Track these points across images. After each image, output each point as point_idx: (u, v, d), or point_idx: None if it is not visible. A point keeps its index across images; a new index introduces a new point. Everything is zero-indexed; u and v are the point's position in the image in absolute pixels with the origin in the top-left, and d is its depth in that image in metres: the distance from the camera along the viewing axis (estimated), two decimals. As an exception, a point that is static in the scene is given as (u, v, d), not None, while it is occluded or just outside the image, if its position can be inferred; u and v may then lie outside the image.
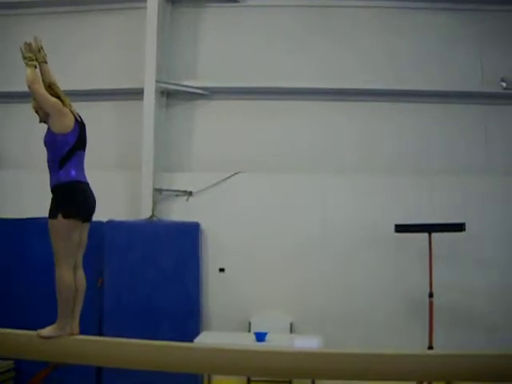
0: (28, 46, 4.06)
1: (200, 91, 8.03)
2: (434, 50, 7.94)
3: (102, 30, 8.16)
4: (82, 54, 8.08)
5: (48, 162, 4.02)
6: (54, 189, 3.98)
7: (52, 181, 3.99)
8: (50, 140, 3.99)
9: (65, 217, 3.87)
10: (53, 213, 3.90)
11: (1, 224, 7.61)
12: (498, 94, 7.78)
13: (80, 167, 4.07)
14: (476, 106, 7.89)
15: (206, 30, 8.18)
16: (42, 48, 4.14)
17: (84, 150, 4.12)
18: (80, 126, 4.09)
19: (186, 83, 8.01)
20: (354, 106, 7.98)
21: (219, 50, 8.11)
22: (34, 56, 4.06)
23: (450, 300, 7.22)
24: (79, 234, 4.00)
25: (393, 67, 7.94)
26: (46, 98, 3.96)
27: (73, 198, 3.93)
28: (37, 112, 4.10)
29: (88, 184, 4.10)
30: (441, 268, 7.00)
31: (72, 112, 4.07)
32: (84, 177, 4.08)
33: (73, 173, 3.97)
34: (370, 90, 7.88)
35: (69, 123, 4.00)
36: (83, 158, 4.12)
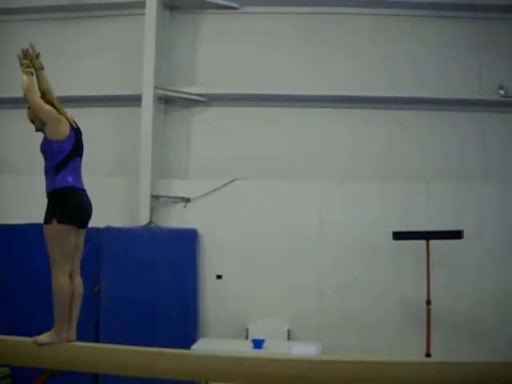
0: (25, 52, 4.06)
1: (198, 98, 8.04)
2: (432, 58, 7.96)
3: (101, 36, 8.15)
4: (80, 61, 8.07)
5: (45, 168, 4.00)
6: (50, 194, 3.96)
7: (48, 187, 3.97)
8: (46, 148, 3.98)
9: (59, 222, 3.85)
10: (48, 218, 3.87)
11: (1, 229, 7.57)
12: (496, 101, 7.80)
13: (77, 174, 4.04)
14: (474, 114, 7.90)
15: (204, 36, 8.19)
16: (38, 54, 4.13)
17: (81, 156, 4.10)
18: (76, 132, 4.07)
19: (184, 90, 8.01)
20: (352, 113, 7.99)
21: (218, 57, 8.12)
22: (31, 63, 4.05)
23: (447, 307, 7.20)
24: (74, 239, 3.98)
25: (391, 74, 7.95)
26: (41, 106, 3.95)
27: (68, 203, 3.91)
28: (32, 122, 4.09)
29: (85, 190, 4.08)
30: (437, 274, 7.00)
31: (67, 119, 4.05)
32: (81, 183, 4.06)
33: (69, 179, 3.95)
34: (368, 97, 7.89)
35: (64, 130, 3.98)
36: (80, 165, 4.09)
